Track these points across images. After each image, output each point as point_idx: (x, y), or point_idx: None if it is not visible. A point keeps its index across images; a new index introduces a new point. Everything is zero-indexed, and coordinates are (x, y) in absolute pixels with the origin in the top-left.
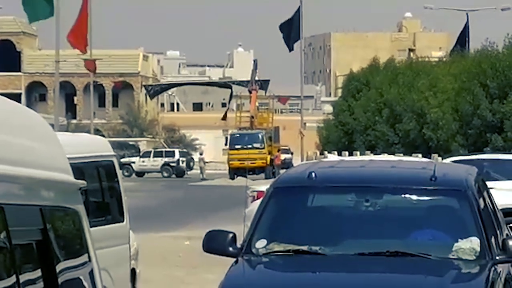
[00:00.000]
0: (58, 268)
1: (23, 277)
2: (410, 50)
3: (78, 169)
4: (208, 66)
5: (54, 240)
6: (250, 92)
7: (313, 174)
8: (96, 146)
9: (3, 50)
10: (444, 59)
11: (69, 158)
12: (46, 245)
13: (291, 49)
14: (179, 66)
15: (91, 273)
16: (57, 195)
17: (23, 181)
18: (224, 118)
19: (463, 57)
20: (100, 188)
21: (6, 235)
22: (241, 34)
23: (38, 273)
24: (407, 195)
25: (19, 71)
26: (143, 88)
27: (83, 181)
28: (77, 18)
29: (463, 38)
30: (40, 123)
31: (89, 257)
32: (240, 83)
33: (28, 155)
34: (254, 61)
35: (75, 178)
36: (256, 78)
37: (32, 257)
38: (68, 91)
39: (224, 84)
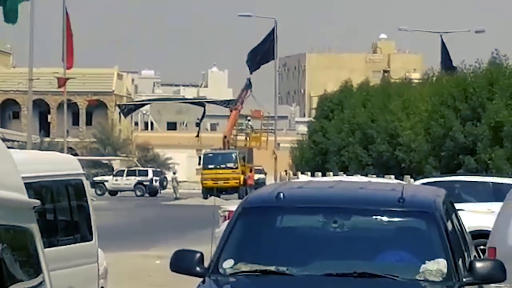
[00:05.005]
0: None
1: None
2: (385, 71)
3: (47, 187)
4: (182, 85)
5: (6, 259)
6: (231, 111)
7: (281, 194)
8: (65, 165)
9: None
10: (420, 80)
11: (37, 176)
12: None
13: (252, 70)
14: (154, 85)
15: None
16: (9, 214)
17: None
18: (198, 135)
19: (436, 79)
20: (69, 206)
21: None
22: (215, 54)
23: None
24: (375, 217)
25: None
26: (117, 107)
27: (37, 201)
28: (66, 39)
29: (446, 61)
30: None
31: (43, 277)
32: (216, 103)
33: None
34: (248, 79)
35: (44, 196)
36: (249, 98)
37: None
38: (41, 109)
39: (198, 103)
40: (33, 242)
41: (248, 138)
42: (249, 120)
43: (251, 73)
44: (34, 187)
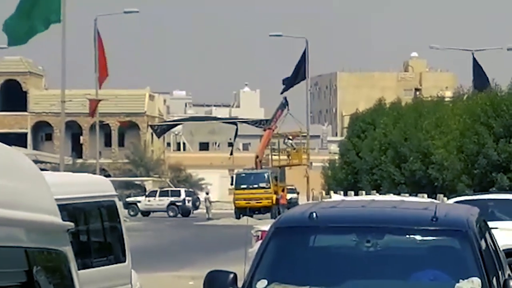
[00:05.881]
0: None
1: None
2: (416, 89)
3: (80, 209)
4: (214, 105)
5: (40, 282)
6: (265, 130)
7: (314, 214)
8: (98, 186)
9: (9, 90)
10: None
11: (70, 198)
12: (31, 287)
13: (285, 90)
14: (185, 106)
15: None
16: (43, 237)
17: (6, 223)
18: (231, 153)
19: (468, 97)
20: (102, 228)
21: None
22: (247, 74)
23: None
24: (408, 236)
25: (25, 110)
26: (149, 128)
27: (71, 223)
28: (98, 56)
29: (479, 79)
30: (26, 164)
31: None
32: (248, 123)
33: (12, 197)
34: (284, 98)
35: (77, 218)
36: (287, 117)
37: None
38: (74, 130)
39: (231, 122)
40: (67, 264)
41: (289, 157)
42: (289, 139)
43: (281, 93)
44: (67, 209)
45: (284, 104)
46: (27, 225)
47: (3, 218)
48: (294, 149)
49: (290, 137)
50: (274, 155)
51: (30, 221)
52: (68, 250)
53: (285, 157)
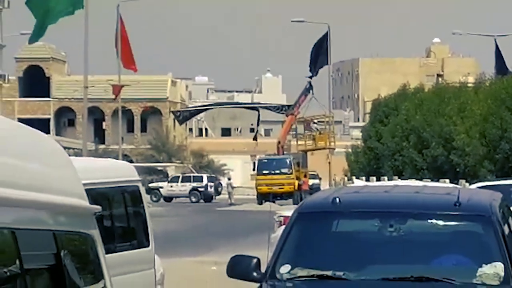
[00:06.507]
0: None
1: None
2: (438, 75)
3: (103, 194)
4: (236, 91)
5: (68, 265)
6: (287, 116)
7: (337, 199)
8: (121, 171)
9: (32, 76)
10: (473, 84)
11: (94, 183)
12: (59, 270)
13: (313, 75)
14: (208, 92)
15: None
16: (71, 220)
17: (35, 206)
18: (255, 138)
19: (491, 82)
20: (126, 213)
21: (18, 260)
22: (269, 60)
23: None
24: (431, 220)
25: (48, 96)
26: (172, 114)
27: (98, 206)
28: (121, 43)
29: (501, 64)
30: (55, 148)
31: (104, 283)
32: (270, 109)
33: (41, 180)
34: (309, 82)
35: (101, 203)
36: (311, 102)
37: (45, 282)
38: (96, 116)
39: (252, 107)
40: (94, 248)
41: (315, 140)
42: (315, 123)
43: (311, 78)
44: (91, 194)
45: (308, 89)
46: (55, 209)
47: (33, 201)
48: (320, 133)
49: (315, 121)
50: (300, 139)
51: (59, 205)
52: (96, 234)
53: (310, 141)
